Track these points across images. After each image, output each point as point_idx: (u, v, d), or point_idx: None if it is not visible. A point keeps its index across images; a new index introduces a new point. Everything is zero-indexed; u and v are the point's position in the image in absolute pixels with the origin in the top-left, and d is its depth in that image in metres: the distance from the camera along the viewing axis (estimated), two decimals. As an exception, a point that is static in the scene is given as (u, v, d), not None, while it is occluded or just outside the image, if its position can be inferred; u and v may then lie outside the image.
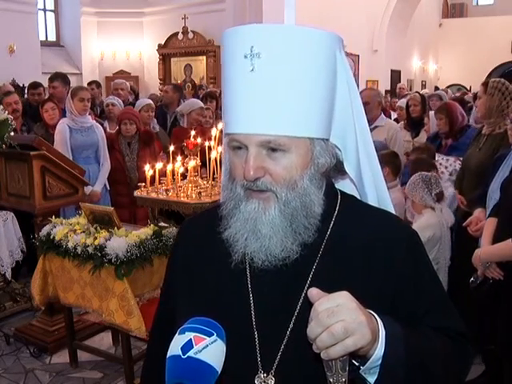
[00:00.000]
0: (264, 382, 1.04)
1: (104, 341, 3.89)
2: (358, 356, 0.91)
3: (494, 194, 3.03)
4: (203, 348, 0.89)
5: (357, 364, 0.93)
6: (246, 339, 1.06)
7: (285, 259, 1.04)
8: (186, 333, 0.92)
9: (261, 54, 0.99)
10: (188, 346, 0.89)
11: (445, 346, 1.06)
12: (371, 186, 1.18)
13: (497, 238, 2.64)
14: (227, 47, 1.05)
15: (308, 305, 0.91)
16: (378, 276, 1.06)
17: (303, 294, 1.05)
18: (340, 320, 0.85)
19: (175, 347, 0.90)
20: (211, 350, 0.89)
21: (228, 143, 1.07)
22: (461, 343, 1.10)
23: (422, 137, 5.30)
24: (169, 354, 0.91)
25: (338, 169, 1.14)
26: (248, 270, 1.10)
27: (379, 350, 0.91)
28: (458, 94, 9.96)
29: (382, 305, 1.01)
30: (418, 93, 6.48)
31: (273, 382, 1.04)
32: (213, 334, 0.91)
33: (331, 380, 0.88)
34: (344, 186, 1.21)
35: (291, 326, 1.05)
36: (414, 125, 5.48)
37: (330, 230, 1.10)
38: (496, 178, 3.04)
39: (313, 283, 1.05)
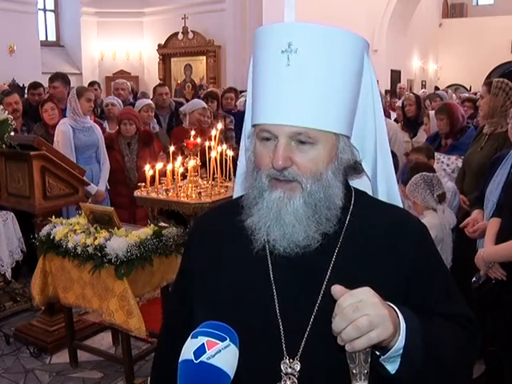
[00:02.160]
0: (290, 367, 1.06)
1: (104, 341, 3.89)
2: (379, 347, 0.95)
3: (491, 195, 3.03)
4: (216, 353, 0.89)
5: (377, 353, 0.97)
6: (269, 326, 1.08)
7: (306, 247, 1.07)
8: (199, 337, 0.91)
9: (298, 50, 1.04)
10: (201, 350, 0.89)
11: (457, 334, 1.10)
12: (384, 185, 1.24)
13: (500, 238, 2.63)
14: (264, 43, 1.10)
15: (330, 293, 0.95)
16: (393, 266, 1.11)
17: (325, 282, 1.09)
18: (364, 314, 0.89)
19: (188, 351, 0.90)
20: (224, 355, 0.89)
21: (257, 134, 1.10)
22: (470, 329, 1.14)
23: (420, 136, 5.32)
24: (181, 358, 0.91)
25: (355, 167, 1.19)
26: (269, 259, 1.13)
27: (400, 342, 0.95)
28: (466, 94, 9.91)
29: (396, 294, 1.05)
30: (413, 93, 6.57)
31: (299, 366, 1.06)
32: (226, 339, 0.91)
33: (354, 371, 0.91)
34: (357, 185, 1.25)
35: (315, 312, 1.08)
36: (411, 125, 5.52)
37: (348, 221, 1.14)
38: (494, 179, 3.04)
39: (334, 272, 1.10)
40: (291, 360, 1.07)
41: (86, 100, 4.72)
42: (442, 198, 3.30)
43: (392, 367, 0.98)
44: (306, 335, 1.07)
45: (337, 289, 0.93)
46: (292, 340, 1.08)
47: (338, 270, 1.10)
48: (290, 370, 1.06)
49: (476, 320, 1.17)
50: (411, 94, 5.97)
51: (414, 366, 0.98)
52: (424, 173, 3.36)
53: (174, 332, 1.25)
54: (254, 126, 1.13)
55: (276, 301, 1.10)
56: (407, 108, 5.58)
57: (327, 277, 1.09)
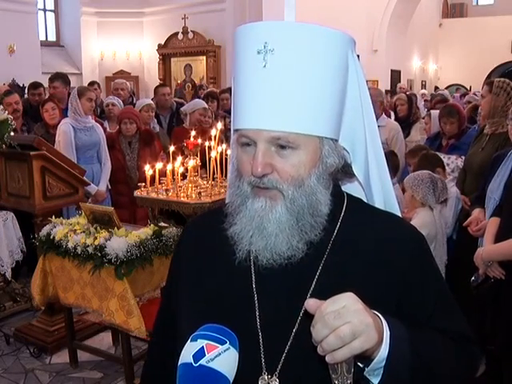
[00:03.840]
0: (268, 383, 1.02)
1: (104, 341, 3.89)
2: (363, 357, 0.90)
3: (492, 194, 3.02)
4: (215, 356, 0.88)
5: (361, 366, 0.92)
6: (249, 339, 1.03)
7: (290, 258, 1.03)
8: (198, 340, 0.90)
9: (274, 51, 0.98)
10: (200, 353, 0.88)
11: (450, 349, 1.04)
12: (378, 189, 1.17)
13: (499, 237, 2.63)
14: (240, 43, 1.05)
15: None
16: (384, 277, 1.05)
17: (309, 294, 1.03)
18: (347, 322, 0.84)
19: (187, 355, 0.89)
20: (223, 359, 0.88)
21: (237, 139, 1.06)
22: (466, 346, 1.09)
23: (414, 135, 5.44)
24: (180, 361, 0.90)
25: (346, 171, 1.13)
26: (253, 269, 1.08)
27: (383, 351, 0.90)
28: (457, 94, 10.01)
29: (387, 306, 0.99)
30: (405, 93, 6.75)
31: (277, 383, 1.01)
32: (225, 342, 0.90)
33: (336, 382, 0.87)
34: (351, 188, 1.20)
35: (296, 326, 1.03)
36: (403, 124, 5.60)
37: (337, 230, 1.09)
38: (495, 178, 3.04)
39: (318, 283, 1.04)
40: (269, 376, 1.02)
41: (87, 100, 4.73)
42: (442, 202, 3.31)
43: (377, 380, 0.92)
44: (286, 350, 1.02)
45: (310, 303, 0.87)
46: (271, 355, 1.03)
47: (324, 282, 1.04)
48: None
49: (476, 338, 1.11)
50: (403, 94, 6.28)
51: (400, 378, 0.92)
52: (434, 174, 3.36)
53: (163, 336, 1.24)
54: (235, 130, 1.08)
55: (257, 313, 1.05)
56: (399, 108, 5.74)
57: (311, 289, 1.04)
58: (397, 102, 5.89)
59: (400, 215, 1.23)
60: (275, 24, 1.02)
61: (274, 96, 0.99)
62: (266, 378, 1.02)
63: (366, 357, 0.90)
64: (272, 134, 0.99)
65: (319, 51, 1.01)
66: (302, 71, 1.00)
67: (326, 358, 0.85)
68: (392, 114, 7.90)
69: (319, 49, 1.01)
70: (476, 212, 3.14)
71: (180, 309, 1.16)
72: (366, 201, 1.19)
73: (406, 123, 5.65)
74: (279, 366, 1.02)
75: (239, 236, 1.05)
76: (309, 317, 0.89)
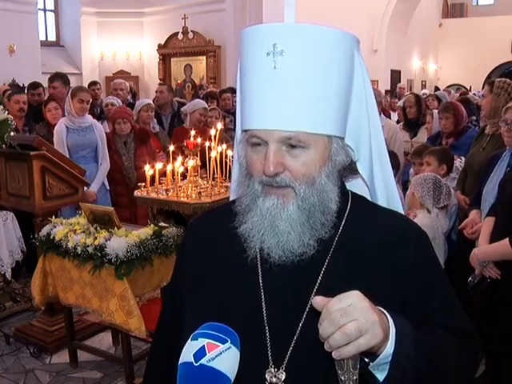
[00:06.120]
0: (275, 376, 1.04)
1: (104, 341, 3.89)
2: (368, 353, 0.91)
3: (488, 195, 3.02)
4: (216, 355, 0.87)
5: (366, 361, 0.94)
6: (256, 334, 1.06)
7: (302, 255, 1.05)
8: (199, 339, 0.90)
9: (284, 52, 1.01)
10: (201, 353, 0.88)
11: (453, 345, 1.06)
12: (382, 186, 1.20)
13: (494, 237, 2.63)
14: (248, 45, 1.07)
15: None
16: (388, 274, 1.07)
17: (315, 290, 1.05)
18: (353, 319, 0.86)
19: (187, 354, 0.89)
20: (224, 358, 0.88)
21: (247, 139, 1.08)
22: (469, 343, 1.11)
23: (420, 137, 5.35)
24: (181, 360, 0.90)
25: (351, 168, 1.16)
26: (259, 266, 1.10)
27: (389, 348, 0.91)
28: (457, 94, 10.01)
29: (391, 303, 1.01)
30: (413, 93, 6.50)
31: (284, 376, 1.03)
32: (227, 341, 0.89)
33: (342, 378, 0.88)
34: (355, 185, 1.22)
35: (302, 320, 1.05)
36: (412, 125, 5.52)
37: (342, 227, 1.11)
38: (490, 179, 3.04)
39: (324, 279, 1.07)
40: (276, 369, 1.04)
41: (77, 101, 4.71)
42: (441, 207, 3.31)
43: (381, 375, 0.94)
44: (292, 344, 1.04)
45: (317, 300, 0.89)
46: (278, 349, 1.05)
47: (329, 278, 1.06)
48: (274, 380, 1.03)
49: (478, 335, 1.13)
50: (411, 95, 5.89)
51: (405, 374, 0.94)
52: (441, 178, 3.36)
53: (166, 335, 1.24)
54: (243, 131, 1.11)
55: (264, 309, 1.07)
56: (408, 110, 5.53)
57: (317, 285, 1.06)
58: (405, 104, 5.65)
59: (403, 213, 1.25)
60: (283, 26, 1.04)
61: (284, 97, 1.02)
62: (273, 370, 1.04)
63: (371, 353, 0.92)
64: (283, 133, 1.02)
65: (327, 51, 1.03)
66: (310, 72, 1.02)
67: (333, 355, 0.87)
68: (392, 114, 7.90)
69: (327, 49, 1.03)
70: (472, 214, 3.13)
71: (185, 306, 1.17)
72: (369, 198, 1.22)
73: (416, 124, 5.51)
74: (286, 360, 1.04)
75: (250, 234, 1.07)
76: (315, 313, 0.90)
